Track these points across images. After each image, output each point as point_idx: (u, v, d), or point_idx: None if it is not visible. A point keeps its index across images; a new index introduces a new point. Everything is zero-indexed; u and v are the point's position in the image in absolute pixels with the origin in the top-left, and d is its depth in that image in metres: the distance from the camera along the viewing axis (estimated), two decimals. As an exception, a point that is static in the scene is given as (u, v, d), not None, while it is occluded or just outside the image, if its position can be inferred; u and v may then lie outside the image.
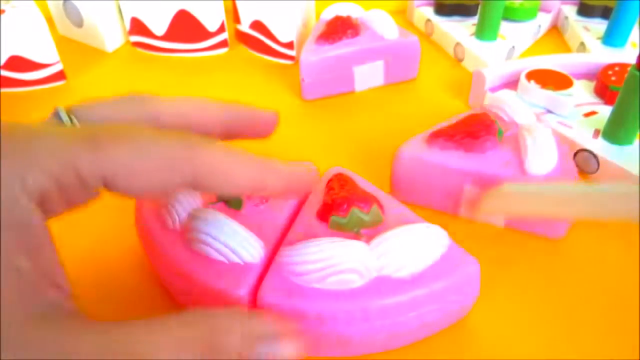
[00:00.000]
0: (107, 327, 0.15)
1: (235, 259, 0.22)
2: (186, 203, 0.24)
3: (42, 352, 0.14)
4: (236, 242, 0.22)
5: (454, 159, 0.28)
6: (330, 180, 0.26)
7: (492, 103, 0.33)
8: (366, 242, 0.22)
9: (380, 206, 0.25)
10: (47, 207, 0.16)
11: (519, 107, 0.31)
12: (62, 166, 0.16)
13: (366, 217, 0.24)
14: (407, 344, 0.23)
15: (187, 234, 0.23)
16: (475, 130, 0.29)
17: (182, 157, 0.18)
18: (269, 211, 0.25)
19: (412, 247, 0.22)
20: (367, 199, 0.24)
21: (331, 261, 0.21)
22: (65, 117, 0.20)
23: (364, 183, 0.27)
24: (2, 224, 0.15)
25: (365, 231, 0.23)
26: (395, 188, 0.31)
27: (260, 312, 0.19)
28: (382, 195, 0.26)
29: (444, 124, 0.30)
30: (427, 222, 0.23)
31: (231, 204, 0.25)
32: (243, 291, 0.21)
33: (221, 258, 0.22)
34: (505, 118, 0.31)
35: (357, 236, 0.23)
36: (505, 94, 0.35)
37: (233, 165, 0.19)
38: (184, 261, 0.22)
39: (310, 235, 0.23)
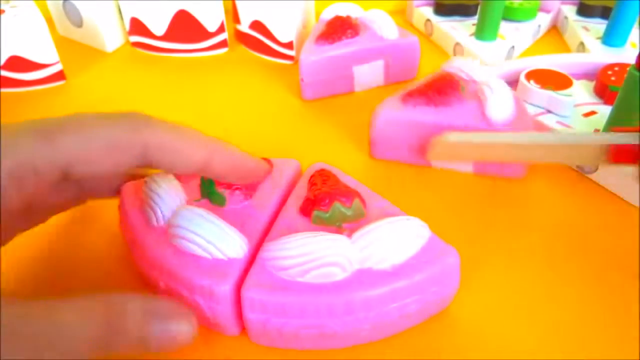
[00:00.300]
0: (23, 303, 0.17)
1: (219, 255, 0.22)
2: (170, 200, 0.24)
3: None
4: (219, 238, 0.22)
5: (427, 114, 0.32)
6: (312, 176, 0.27)
7: (452, 65, 0.36)
8: (348, 235, 0.23)
9: (362, 200, 0.25)
10: (6, 201, 0.17)
11: (476, 66, 0.35)
12: (17, 160, 0.17)
13: (348, 212, 0.24)
14: (390, 335, 0.23)
15: (170, 230, 0.23)
16: (442, 87, 0.33)
17: (130, 139, 0.19)
18: (252, 207, 0.25)
19: (393, 239, 0.22)
20: (348, 194, 0.25)
21: (313, 255, 0.21)
22: None
23: (346, 178, 0.27)
24: None
25: (348, 225, 0.24)
26: (374, 146, 0.35)
27: (155, 296, 0.21)
28: (364, 190, 0.26)
29: (414, 86, 0.34)
30: (408, 215, 0.24)
31: (215, 200, 0.25)
32: (226, 287, 0.22)
33: (205, 254, 0.22)
34: (465, 77, 0.35)
35: (339, 230, 0.24)
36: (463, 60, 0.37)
37: (180, 143, 0.20)
38: (168, 258, 0.23)
39: (293, 230, 0.23)
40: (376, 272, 0.22)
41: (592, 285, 0.26)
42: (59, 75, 0.44)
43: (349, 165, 0.29)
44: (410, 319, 0.23)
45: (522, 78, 0.38)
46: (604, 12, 0.50)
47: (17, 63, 0.42)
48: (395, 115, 0.33)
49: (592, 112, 0.36)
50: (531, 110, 0.37)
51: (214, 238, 0.22)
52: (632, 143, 0.23)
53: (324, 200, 0.24)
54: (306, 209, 0.25)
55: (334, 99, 0.42)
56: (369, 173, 0.34)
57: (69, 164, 0.18)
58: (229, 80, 0.45)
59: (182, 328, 0.19)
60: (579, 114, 0.36)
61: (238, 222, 0.24)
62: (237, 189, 0.25)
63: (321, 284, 0.21)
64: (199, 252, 0.22)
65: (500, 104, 0.31)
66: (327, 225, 0.24)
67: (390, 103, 0.33)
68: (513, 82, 0.39)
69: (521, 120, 0.32)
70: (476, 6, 0.50)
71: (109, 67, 0.48)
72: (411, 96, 0.33)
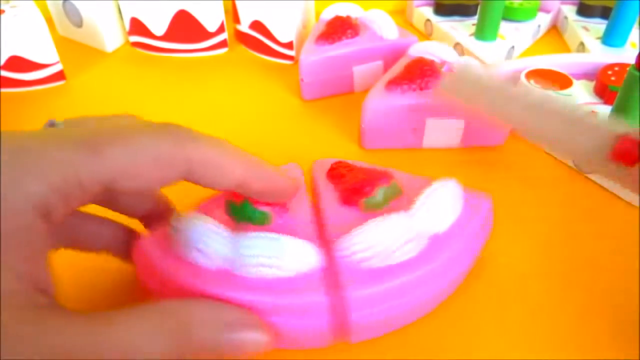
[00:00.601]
0: (87, 320, 0.16)
1: (302, 269, 0.21)
2: (214, 235, 0.22)
3: (32, 349, 0.15)
4: (295, 253, 0.21)
5: (414, 98, 0.34)
6: (331, 169, 0.27)
7: (419, 49, 0.38)
8: (405, 211, 0.23)
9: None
10: (49, 214, 0.16)
11: (442, 48, 0.37)
12: (63, 176, 0.16)
13: (390, 192, 0.25)
14: (445, 297, 0.25)
15: (239, 263, 0.21)
16: (422, 71, 0.34)
17: (176, 153, 0.18)
18: (294, 218, 0.24)
19: (443, 203, 0.24)
20: (385, 176, 0.25)
21: (389, 240, 0.22)
22: (61, 125, 0.21)
23: (361, 164, 0.27)
24: (6, 232, 0.15)
25: (393, 203, 0.25)
26: (366, 137, 0.36)
27: (229, 304, 0.20)
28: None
29: (393, 74, 0.36)
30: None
31: (258, 220, 0.24)
32: (322, 297, 0.21)
33: (286, 273, 0.21)
34: (436, 59, 0.36)
35: (388, 210, 0.24)
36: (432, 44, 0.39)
37: (223, 158, 0.20)
38: (244, 291, 0.21)
39: (349, 223, 0.23)
40: (442, 235, 0.23)
41: (592, 285, 0.26)
42: (59, 75, 0.44)
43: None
44: (463, 276, 0.25)
45: (522, 78, 0.38)
46: (604, 12, 0.50)
47: (17, 63, 0.42)
48: (385, 103, 0.34)
49: (592, 112, 0.36)
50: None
51: (289, 255, 0.21)
52: None
53: (367, 187, 0.25)
54: (351, 200, 0.25)
55: (334, 99, 0.42)
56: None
57: (114, 178, 0.17)
58: (229, 80, 0.45)
59: (254, 336, 0.19)
60: (579, 114, 0.36)
61: (292, 234, 0.23)
62: (274, 204, 0.24)
63: (406, 261, 0.22)
64: (279, 273, 0.21)
65: None
66: (377, 210, 0.24)
67: (376, 93, 0.35)
68: (513, 82, 0.39)
69: None
70: (476, 6, 0.50)
71: (109, 67, 0.48)
72: (395, 83, 0.34)
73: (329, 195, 0.26)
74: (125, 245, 0.24)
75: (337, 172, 0.27)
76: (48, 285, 0.17)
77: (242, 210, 0.24)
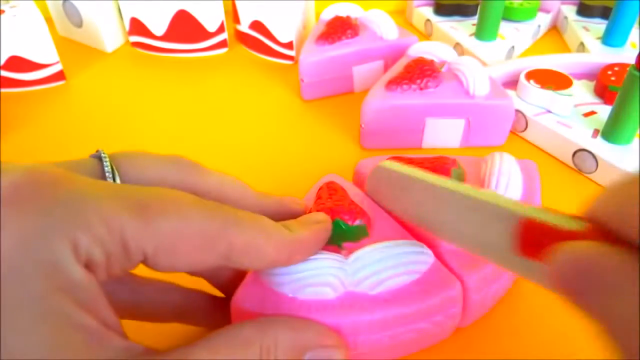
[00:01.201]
0: (173, 355, 0.15)
1: (424, 268, 0.22)
2: (327, 265, 0.21)
3: None
4: (415, 254, 0.22)
5: (414, 98, 0.34)
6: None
7: (418, 49, 0.38)
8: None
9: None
10: (92, 266, 0.15)
11: (442, 48, 0.37)
12: (111, 233, 0.15)
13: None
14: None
15: (361, 284, 0.21)
16: (422, 71, 0.34)
17: (222, 236, 0.17)
18: (381, 226, 0.24)
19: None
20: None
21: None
22: (108, 169, 0.19)
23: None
24: (57, 286, 0.14)
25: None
26: (365, 138, 0.36)
27: (309, 322, 0.19)
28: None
29: (393, 74, 0.36)
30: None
31: (358, 236, 0.23)
32: (455, 287, 0.22)
33: (413, 276, 0.21)
34: (435, 59, 0.36)
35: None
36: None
37: (265, 244, 0.18)
38: (382, 309, 0.21)
39: None
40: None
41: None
42: (59, 75, 0.44)
43: (347, 162, 0.29)
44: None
45: (522, 78, 0.38)
46: (604, 12, 0.50)
47: (17, 63, 0.42)
48: (385, 103, 0.34)
49: (592, 112, 0.36)
50: (531, 110, 0.37)
51: (407, 261, 0.21)
52: (554, 223, 0.15)
53: (443, 173, 0.24)
54: None
55: (334, 99, 0.42)
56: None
57: (157, 248, 0.16)
58: (229, 80, 0.45)
59: (334, 356, 0.19)
60: (579, 114, 0.36)
61: (394, 238, 0.23)
62: (360, 216, 0.24)
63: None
64: (407, 278, 0.21)
65: (478, 80, 0.34)
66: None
67: (376, 93, 0.35)
68: (513, 82, 0.39)
69: (496, 92, 0.34)
70: (476, 6, 0.50)
71: (108, 67, 0.48)
72: (395, 83, 0.34)
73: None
74: (198, 311, 0.23)
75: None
76: (118, 326, 0.16)
77: (336, 230, 0.23)
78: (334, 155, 0.36)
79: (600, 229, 0.14)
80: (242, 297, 0.21)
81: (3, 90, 0.43)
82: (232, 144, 0.37)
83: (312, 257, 0.21)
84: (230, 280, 0.23)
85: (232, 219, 0.18)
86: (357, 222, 0.23)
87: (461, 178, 0.26)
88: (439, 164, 0.26)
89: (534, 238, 0.15)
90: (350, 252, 0.22)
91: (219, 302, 0.23)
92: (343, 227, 0.23)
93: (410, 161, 0.26)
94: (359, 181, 0.27)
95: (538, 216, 0.15)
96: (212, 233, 0.17)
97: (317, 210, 0.23)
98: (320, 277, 0.20)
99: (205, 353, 0.16)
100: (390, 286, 0.21)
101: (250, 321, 0.18)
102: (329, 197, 0.24)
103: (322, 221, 0.22)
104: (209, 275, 0.23)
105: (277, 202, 0.23)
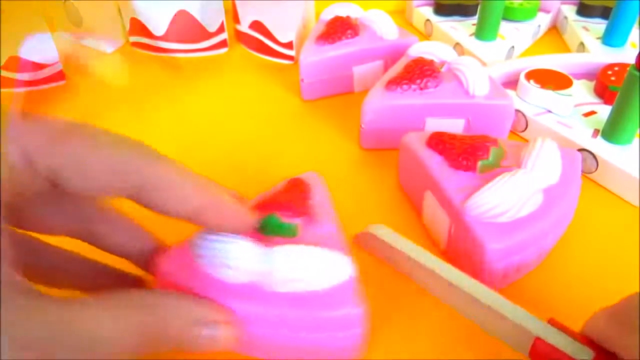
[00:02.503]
0: (59, 304, 0.16)
1: (334, 282, 0.21)
2: (245, 251, 0.21)
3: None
4: (328, 266, 0.21)
5: (414, 98, 0.34)
6: (431, 138, 0.28)
7: (418, 50, 0.38)
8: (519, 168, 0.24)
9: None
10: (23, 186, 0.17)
11: (442, 48, 0.37)
12: (16, 151, 0.16)
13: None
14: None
15: (269, 278, 0.21)
16: (422, 71, 0.34)
17: (133, 165, 0.18)
18: (320, 229, 0.24)
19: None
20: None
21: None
22: None
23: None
24: None
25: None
26: (365, 138, 0.36)
27: (202, 299, 0.20)
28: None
29: (393, 73, 0.35)
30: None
31: (287, 233, 0.23)
32: (359, 309, 0.21)
33: (320, 286, 0.21)
34: (435, 59, 0.36)
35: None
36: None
37: (182, 186, 0.19)
38: (280, 308, 0.21)
39: (470, 185, 0.25)
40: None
41: (591, 284, 0.26)
42: (59, 75, 0.44)
43: (347, 162, 0.29)
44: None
45: (522, 78, 0.38)
46: (604, 12, 0.50)
47: (17, 63, 0.42)
48: (385, 103, 0.34)
49: (592, 112, 0.36)
50: (531, 110, 0.37)
51: (322, 269, 0.21)
52: (559, 347, 0.19)
53: (481, 150, 0.26)
54: (466, 163, 0.26)
55: (334, 99, 0.42)
56: (367, 165, 0.34)
57: (63, 169, 0.17)
58: (229, 80, 0.45)
59: (223, 332, 0.19)
60: (579, 114, 0.36)
61: (322, 245, 0.22)
62: (301, 214, 0.24)
63: (532, 213, 0.24)
64: (311, 287, 0.21)
65: (478, 80, 0.34)
66: (492, 170, 0.26)
67: (376, 93, 0.35)
68: (513, 82, 0.39)
69: (496, 92, 0.34)
70: (476, 6, 0.50)
71: (108, 67, 0.48)
72: (394, 83, 0.34)
73: (437, 162, 0.27)
74: (147, 256, 0.23)
75: (440, 140, 0.28)
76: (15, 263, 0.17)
77: (269, 224, 0.23)
78: (334, 156, 0.36)
79: (604, 357, 0.18)
80: (166, 261, 0.22)
81: (3, 90, 0.43)
82: (232, 144, 0.37)
83: (237, 240, 0.21)
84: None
85: (146, 152, 0.19)
86: (295, 221, 0.23)
87: (500, 157, 0.27)
88: (480, 141, 0.27)
89: (544, 355, 0.19)
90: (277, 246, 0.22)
91: (131, 281, 0.24)
92: (274, 222, 0.23)
93: (452, 137, 0.28)
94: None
95: (547, 339, 0.19)
96: (122, 159, 0.18)
97: (260, 201, 0.24)
98: (237, 261, 0.21)
99: (94, 309, 0.17)
100: (298, 288, 0.21)
101: (150, 290, 0.19)
102: (284, 191, 0.25)
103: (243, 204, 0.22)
104: (135, 258, 0.23)
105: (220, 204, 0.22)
